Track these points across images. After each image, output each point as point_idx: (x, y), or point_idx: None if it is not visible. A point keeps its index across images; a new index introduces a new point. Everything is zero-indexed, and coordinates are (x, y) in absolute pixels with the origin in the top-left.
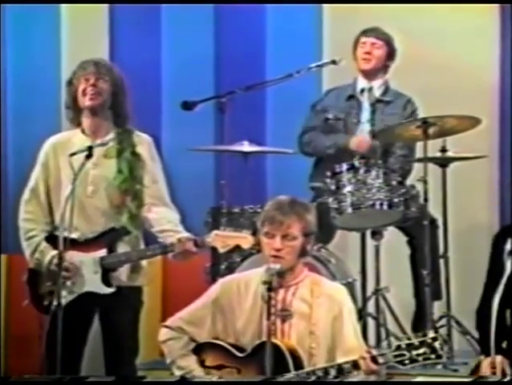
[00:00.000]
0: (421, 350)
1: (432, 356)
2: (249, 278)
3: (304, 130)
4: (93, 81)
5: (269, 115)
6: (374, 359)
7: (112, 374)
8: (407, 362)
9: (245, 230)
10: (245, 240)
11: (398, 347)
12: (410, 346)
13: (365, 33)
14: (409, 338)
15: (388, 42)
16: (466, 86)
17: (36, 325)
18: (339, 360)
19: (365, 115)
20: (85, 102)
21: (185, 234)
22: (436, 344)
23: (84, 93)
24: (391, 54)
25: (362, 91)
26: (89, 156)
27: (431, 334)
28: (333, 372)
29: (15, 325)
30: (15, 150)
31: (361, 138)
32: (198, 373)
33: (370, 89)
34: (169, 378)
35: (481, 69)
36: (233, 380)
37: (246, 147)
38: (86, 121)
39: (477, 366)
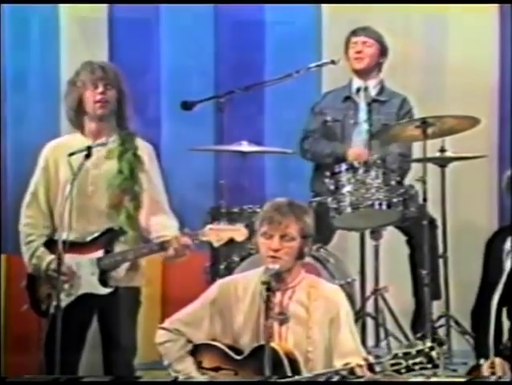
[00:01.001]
0: (418, 360)
1: (429, 365)
2: (248, 279)
3: (304, 134)
4: (102, 88)
5: (268, 115)
6: (371, 367)
7: (110, 374)
8: (403, 370)
9: (239, 224)
10: (239, 232)
11: (395, 356)
12: (407, 355)
13: (355, 33)
14: (409, 346)
15: (379, 40)
16: (466, 86)
17: (35, 324)
18: (336, 363)
19: (362, 115)
20: (96, 110)
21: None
22: (434, 353)
23: (94, 100)
24: (383, 51)
25: (358, 90)
26: (88, 156)
27: (428, 343)
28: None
29: (15, 324)
30: (15, 150)
31: (358, 150)
32: (195, 375)
33: (365, 88)
34: (169, 379)
35: (481, 69)
36: (232, 381)
37: (245, 147)
38: (90, 125)
39: (474, 368)
